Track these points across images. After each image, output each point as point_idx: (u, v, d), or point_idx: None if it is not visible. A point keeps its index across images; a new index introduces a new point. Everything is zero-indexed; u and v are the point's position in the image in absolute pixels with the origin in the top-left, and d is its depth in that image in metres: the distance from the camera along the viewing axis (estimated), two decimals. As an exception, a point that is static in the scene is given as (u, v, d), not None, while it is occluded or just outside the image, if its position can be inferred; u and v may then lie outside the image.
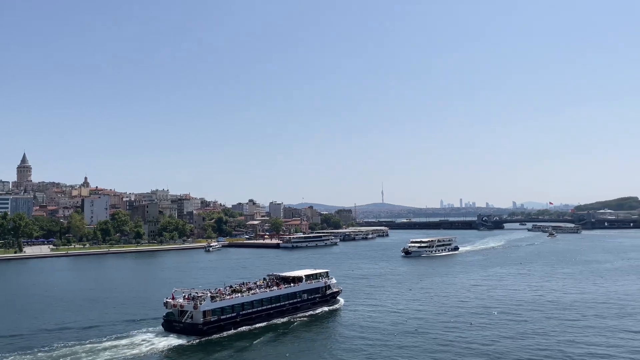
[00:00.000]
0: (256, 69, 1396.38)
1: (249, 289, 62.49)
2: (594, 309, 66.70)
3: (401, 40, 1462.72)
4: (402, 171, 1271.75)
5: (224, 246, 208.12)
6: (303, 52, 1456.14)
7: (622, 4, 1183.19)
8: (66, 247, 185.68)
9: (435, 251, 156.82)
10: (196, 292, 58.13)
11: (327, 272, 73.97)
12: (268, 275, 72.02)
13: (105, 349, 48.84)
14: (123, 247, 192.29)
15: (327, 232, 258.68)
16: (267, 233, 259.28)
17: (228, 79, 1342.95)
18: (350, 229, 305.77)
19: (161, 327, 55.41)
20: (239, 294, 59.73)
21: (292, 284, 66.95)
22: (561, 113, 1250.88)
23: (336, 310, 68.29)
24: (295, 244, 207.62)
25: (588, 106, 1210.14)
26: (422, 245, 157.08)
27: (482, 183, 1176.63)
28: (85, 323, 61.05)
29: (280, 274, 71.55)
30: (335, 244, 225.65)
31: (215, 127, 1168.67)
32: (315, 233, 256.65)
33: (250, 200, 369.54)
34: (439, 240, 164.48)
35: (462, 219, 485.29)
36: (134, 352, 48.26)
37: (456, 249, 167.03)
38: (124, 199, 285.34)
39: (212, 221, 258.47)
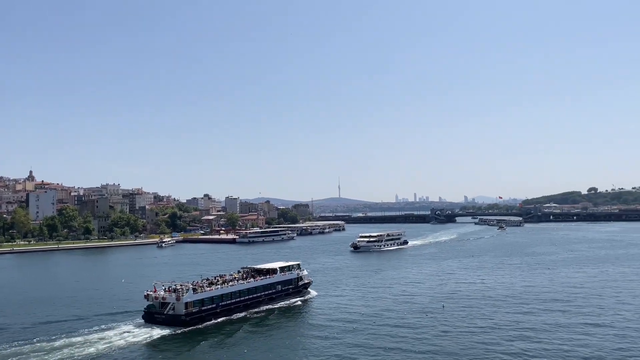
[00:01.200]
0: (210, 60, 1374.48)
1: (225, 281, 64.58)
2: (540, 299, 69.47)
3: (357, 35, 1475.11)
4: (359, 166, 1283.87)
5: (178, 242, 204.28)
6: (258, 45, 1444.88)
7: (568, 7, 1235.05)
8: (10, 243, 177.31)
9: (385, 245, 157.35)
10: (176, 285, 59.90)
11: (299, 264, 77.06)
12: (242, 268, 74.20)
13: (88, 342, 49.48)
14: (71, 243, 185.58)
15: (284, 227, 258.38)
16: (223, 228, 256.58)
17: (181, 69, 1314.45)
18: (307, 224, 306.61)
19: (141, 319, 56.97)
20: (218, 286, 61.90)
21: (267, 276, 69.61)
22: (508, 111, 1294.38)
23: (308, 300, 71.59)
24: (251, 239, 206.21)
25: (534, 105, 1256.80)
26: (371, 239, 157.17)
27: (436, 178, 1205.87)
28: (54, 318, 61.31)
29: (255, 267, 74.13)
30: (292, 238, 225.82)
31: (168, 119, 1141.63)
32: (272, 228, 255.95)
33: (206, 195, 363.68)
34: (388, 235, 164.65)
35: (416, 213, 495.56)
36: (121, 342, 49.72)
37: (405, 243, 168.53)
38: (72, 194, 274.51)
39: (165, 216, 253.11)
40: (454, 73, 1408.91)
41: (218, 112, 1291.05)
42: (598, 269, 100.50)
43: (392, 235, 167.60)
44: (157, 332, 53.16)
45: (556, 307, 63.24)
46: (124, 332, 52.92)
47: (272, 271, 70.97)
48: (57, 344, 48.69)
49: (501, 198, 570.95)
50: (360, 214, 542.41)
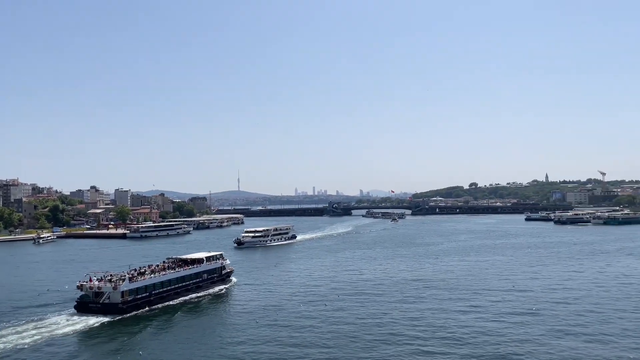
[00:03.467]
0: (102, 40, 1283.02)
1: (153, 271, 67.77)
2: (429, 286, 73.75)
3: (248, 23, 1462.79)
4: (258, 159, 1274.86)
5: (59, 237, 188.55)
6: (153, 30, 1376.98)
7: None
8: None
9: (271, 241, 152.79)
10: (110, 275, 62.93)
11: (222, 254, 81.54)
12: (168, 259, 77.84)
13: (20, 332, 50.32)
14: None
15: (179, 221, 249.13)
16: (112, 222, 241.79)
17: (63, 48, 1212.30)
18: (205, 217, 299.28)
19: (73, 309, 58.71)
20: (152, 275, 65.39)
21: (194, 265, 73.44)
22: (401, 108, 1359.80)
23: (230, 287, 77.16)
24: (144, 234, 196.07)
25: (421, 103, 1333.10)
26: (257, 235, 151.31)
27: (334, 172, 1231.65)
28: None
29: (181, 257, 78.34)
30: (188, 232, 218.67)
31: (49, 102, 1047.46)
32: (167, 222, 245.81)
33: (93, 187, 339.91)
34: (275, 230, 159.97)
35: (314, 206, 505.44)
36: (57, 332, 51.02)
37: (294, 237, 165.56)
38: None
39: (46, 209, 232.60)
40: (351, 65, 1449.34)
41: (106, 96, 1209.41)
42: (478, 258, 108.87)
43: (280, 229, 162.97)
44: (92, 321, 55.00)
45: (441, 293, 67.49)
46: (57, 322, 54.31)
47: (199, 261, 74.80)
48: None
49: (393, 192, 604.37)
50: (260, 207, 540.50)
